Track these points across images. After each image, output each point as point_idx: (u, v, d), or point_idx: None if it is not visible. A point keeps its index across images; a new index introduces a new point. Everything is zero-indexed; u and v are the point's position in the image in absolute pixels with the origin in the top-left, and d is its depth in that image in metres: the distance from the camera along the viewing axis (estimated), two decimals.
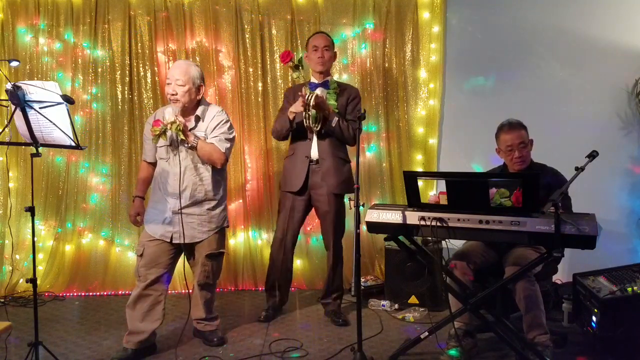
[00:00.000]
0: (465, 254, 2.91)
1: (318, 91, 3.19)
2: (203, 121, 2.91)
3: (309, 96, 3.06)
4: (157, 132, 2.76)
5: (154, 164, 3.03)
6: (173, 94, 2.81)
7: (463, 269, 2.84)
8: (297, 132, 3.31)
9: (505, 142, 2.95)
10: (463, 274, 2.83)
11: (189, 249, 2.97)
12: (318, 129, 3.19)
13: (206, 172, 2.90)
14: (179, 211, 2.85)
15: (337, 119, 3.19)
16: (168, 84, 2.85)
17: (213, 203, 2.95)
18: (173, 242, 2.88)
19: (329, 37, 3.42)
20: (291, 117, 3.18)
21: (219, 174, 2.98)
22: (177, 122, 2.74)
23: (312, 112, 3.10)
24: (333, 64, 3.50)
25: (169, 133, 2.80)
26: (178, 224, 2.85)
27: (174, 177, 2.86)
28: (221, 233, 3.03)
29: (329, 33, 4.01)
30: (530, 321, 2.68)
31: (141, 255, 2.87)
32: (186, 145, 2.82)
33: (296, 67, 3.17)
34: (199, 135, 2.86)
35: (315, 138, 3.27)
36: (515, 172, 2.96)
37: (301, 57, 3.27)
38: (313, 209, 3.44)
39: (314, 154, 3.28)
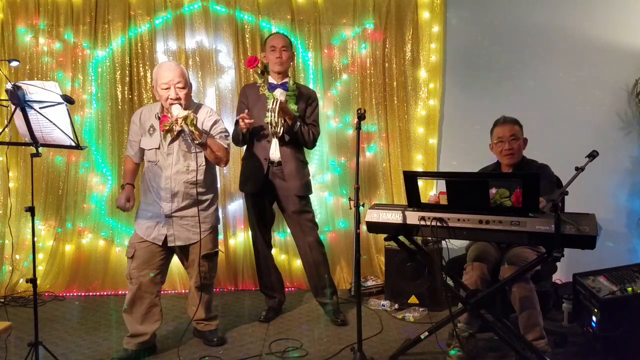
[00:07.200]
0: (481, 255, 2.86)
1: (277, 93, 3.19)
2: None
3: (273, 102, 3.07)
4: (168, 127, 2.73)
5: (138, 164, 3.01)
6: (177, 98, 2.76)
7: (482, 270, 2.80)
8: (254, 135, 3.30)
9: (497, 134, 3.02)
10: (482, 274, 2.79)
11: (183, 251, 2.95)
12: (280, 133, 3.18)
13: (198, 174, 2.85)
14: (172, 214, 2.84)
15: (299, 123, 3.22)
16: (166, 88, 2.77)
17: (205, 204, 2.92)
18: (168, 245, 2.86)
19: (288, 37, 3.42)
20: (244, 131, 3.13)
21: (211, 173, 2.97)
22: (191, 117, 2.66)
23: (275, 118, 3.10)
24: (291, 64, 3.51)
25: (176, 128, 2.74)
26: (172, 226, 2.85)
27: (166, 180, 2.83)
28: (215, 232, 3.03)
29: (329, 33, 4.04)
30: (525, 321, 2.67)
31: (132, 257, 2.85)
32: (195, 141, 2.74)
33: (262, 74, 3.13)
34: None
35: (276, 141, 3.26)
36: (505, 165, 3.01)
37: (267, 64, 3.21)
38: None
39: (275, 156, 3.27)
